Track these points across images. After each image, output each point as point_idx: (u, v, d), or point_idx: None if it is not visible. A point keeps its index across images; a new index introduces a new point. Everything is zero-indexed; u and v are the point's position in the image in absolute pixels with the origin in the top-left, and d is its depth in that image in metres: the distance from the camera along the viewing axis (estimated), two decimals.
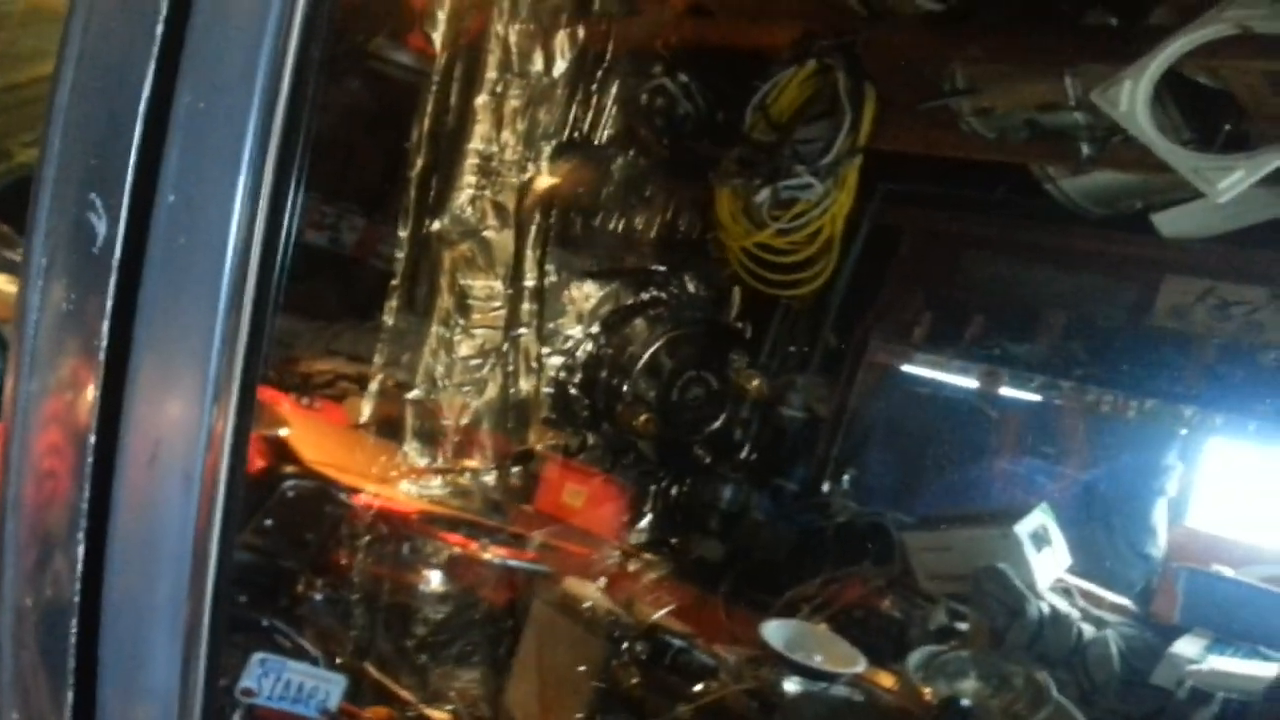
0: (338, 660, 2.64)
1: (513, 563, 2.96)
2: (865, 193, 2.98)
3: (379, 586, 2.92)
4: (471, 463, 3.13)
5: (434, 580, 2.97)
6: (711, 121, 3.15)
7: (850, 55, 2.79)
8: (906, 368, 3.30)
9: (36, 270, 1.03)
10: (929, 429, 3.30)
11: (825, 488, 3.31)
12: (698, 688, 2.48)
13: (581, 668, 2.62)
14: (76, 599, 1.03)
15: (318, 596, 2.77)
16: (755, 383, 3.23)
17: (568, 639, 2.75)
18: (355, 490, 2.87)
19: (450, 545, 2.93)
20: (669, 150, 3.19)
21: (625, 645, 2.56)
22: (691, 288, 3.34)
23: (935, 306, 3.27)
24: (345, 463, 2.96)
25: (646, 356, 3.19)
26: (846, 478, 3.29)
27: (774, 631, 2.56)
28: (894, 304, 3.35)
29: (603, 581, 2.86)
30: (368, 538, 2.88)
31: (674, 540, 3.23)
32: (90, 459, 1.01)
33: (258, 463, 2.75)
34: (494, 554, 2.93)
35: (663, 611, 2.74)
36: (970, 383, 3.15)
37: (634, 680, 2.52)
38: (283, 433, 2.84)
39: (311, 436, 2.92)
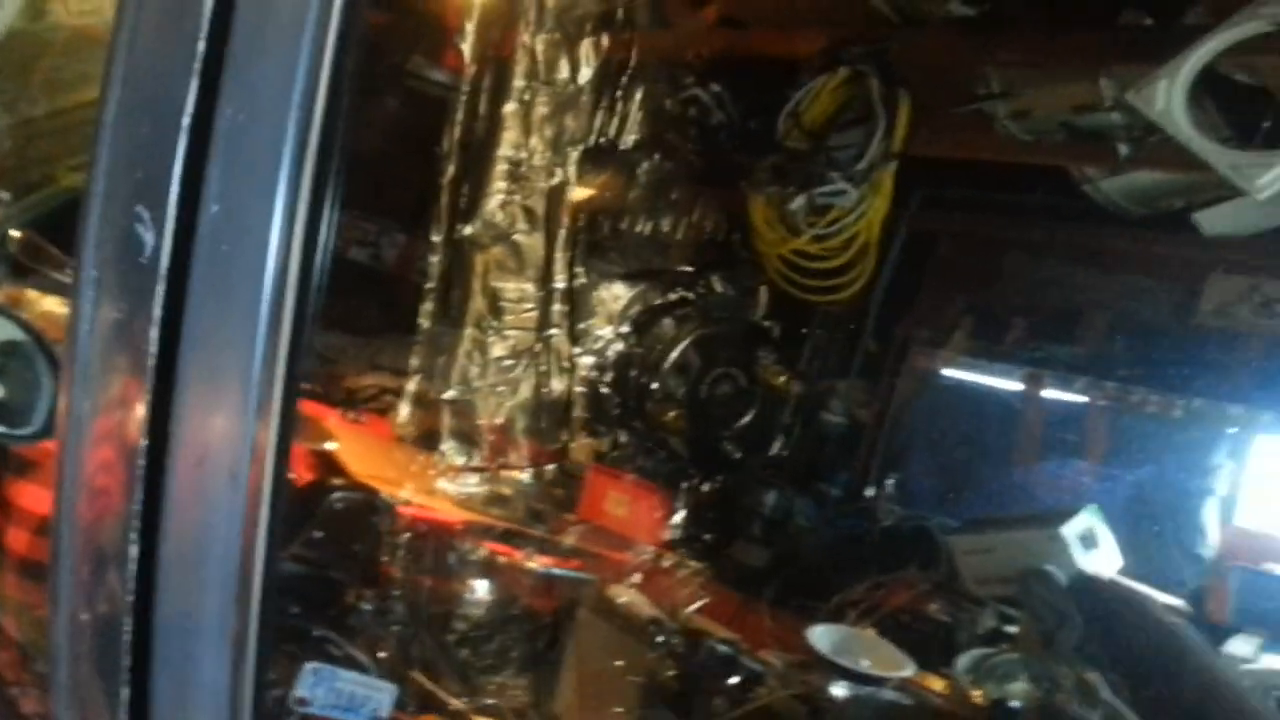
0: (387, 668, 2.67)
1: (555, 570, 2.98)
2: (901, 198, 2.98)
3: (424, 595, 2.95)
4: (508, 461, 3.17)
5: (478, 589, 3.00)
6: (744, 130, 3.17)
7: (882, 61, 2.80)
8: (947, 371, 3.29)
9: (87, 280, 1.07)
10: (972, 432, 3.28)
11: (869, 492, 3.30)
12: (736, 684, 2.48)
13: (623, 669, 2.64)
14: (130, 600, 1.06)
15: (366, 606, 2.81)
16: (783, 379, 3.26)
17: (610, 643, 2.76)
18: (402, 502, 2.91)
19: (494, 553, 2.96)
20: (702, 158, 3.22)
21: (664, 641, 2.57)
22: (719, 288, 3.39)
23: (975, 310, 3.25)
24: (391, 475, 3.00)
25: (675, 355, 3.26)
26: (890, 482, 3.28)
27: (821, 636, 2.55)
28: (933, 308, 3.34)
29: (637, 578, 2.87)
30: (413, 548, 2.91)
31: (707, 536, 3.25)
32: (142, 464, 1.04)
33: (306, 476, 2.79)
34: (538, 562, 2.96)
35: (695, 606, 2.75)
36: (1013, 385, 3.13)
37: (675, 677, 2.53)
38: (330, 446, 2.89)
39: (358, 449, 2.97)
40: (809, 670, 2.51)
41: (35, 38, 3.67)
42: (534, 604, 3.01)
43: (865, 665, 2.47)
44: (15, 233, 3.31)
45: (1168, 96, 2.22)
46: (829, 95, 2.90)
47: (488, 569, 2.97)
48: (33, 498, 2.70)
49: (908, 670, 2.49)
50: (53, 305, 3.22)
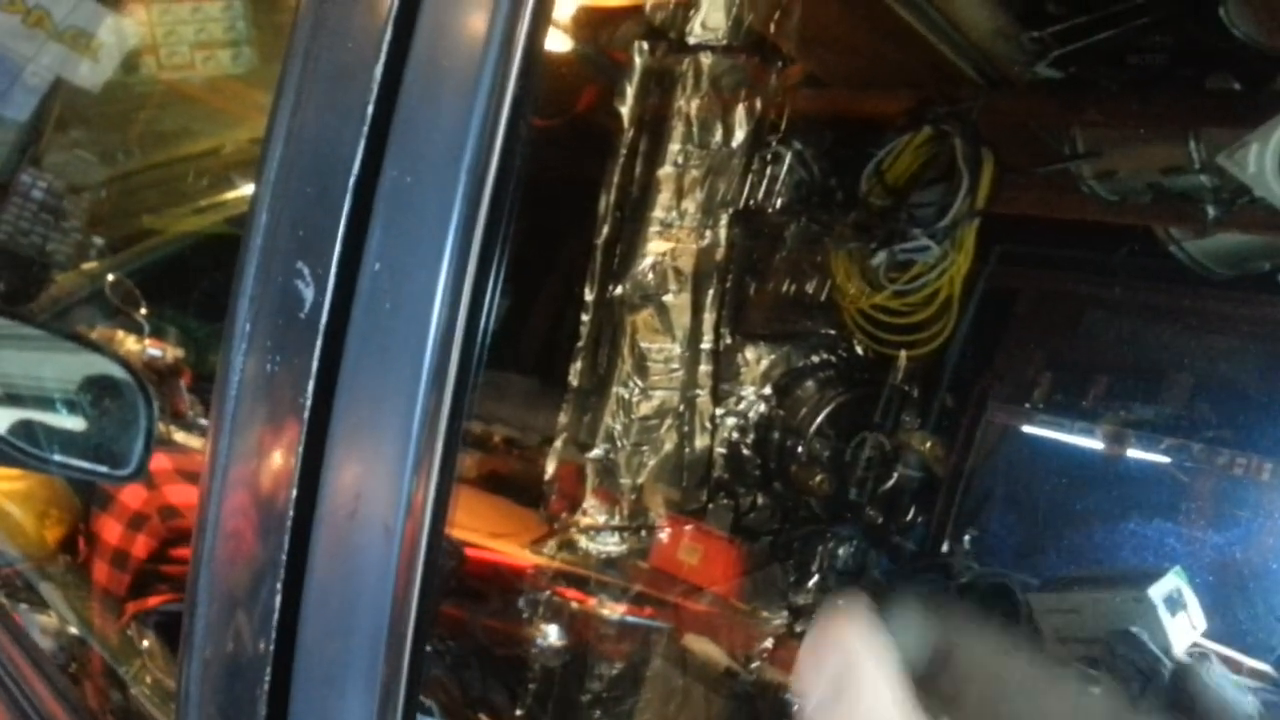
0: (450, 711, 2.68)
1: (630, 619, 2.98)
2: (980, 253, 3.00)
3: (493, 639, 2.97)
4: (647, 521, 3.19)
5: (551, 634, 3.00)
6: (825, 188, 3.21)
7: (967, 121, 2.83)
8: (1027, 428, 3.27)
9: (240, 334, 1.09)
10: (1052, 490, 3.25)
11: (945, 548, 3.29)
12: None
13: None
14: (271, 647, 1.08)
15: (430, 648, 2.81)
16: (929, 444, 3.24)
17: (686, 696, 2.76)
18: (469, 544, 2.93)
19: (564, 599, 2.97)
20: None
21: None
22: (860, 350, 3.38)
23: (1056, 367, 3.25)
24: (462, 520, 3.02)
25: (820, 418, 3.24)
26: (967, 538, 3.26)
27: None
28: (1012, 364, 3.33)
29: (770, 643, 2.86)
30: (483, 591, 2.93)
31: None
32: (291, 514, 1.06)
33: None
34: (612, 610, 2.96)
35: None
36: (1094, 444, 3.10)
37: None
38: None
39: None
40: None
41: (130, 90, 3.80)
42: (609, 652, 3.02)
43: None
44: (110, 276, 3.43)
45: (1260, 160, 2.23)
46: (912, 153, 2.93)
47: (558, 614, 2.97)
48: (109, 530, 2.77)
49: None
50: (133, 343, 3.33)
